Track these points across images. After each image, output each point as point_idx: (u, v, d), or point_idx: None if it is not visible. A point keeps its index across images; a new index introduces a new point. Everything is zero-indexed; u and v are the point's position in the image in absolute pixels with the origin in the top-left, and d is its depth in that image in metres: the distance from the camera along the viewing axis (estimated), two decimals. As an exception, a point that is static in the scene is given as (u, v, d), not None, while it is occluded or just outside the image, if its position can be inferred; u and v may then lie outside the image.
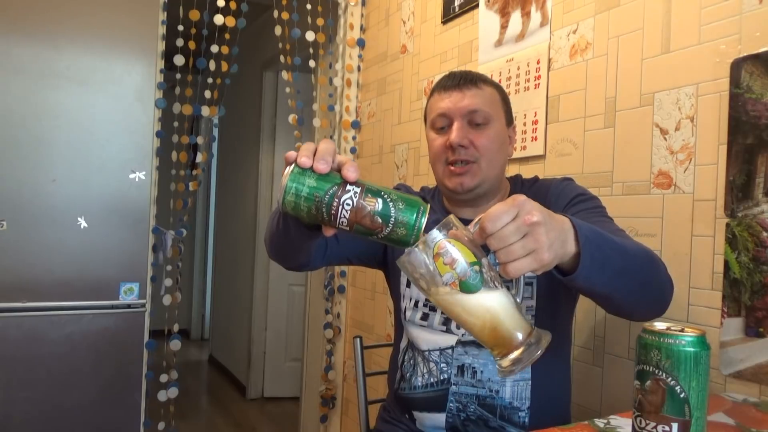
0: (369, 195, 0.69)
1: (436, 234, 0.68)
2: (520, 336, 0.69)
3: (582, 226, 0.75)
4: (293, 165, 0.70)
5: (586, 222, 0.87)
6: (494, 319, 0.70)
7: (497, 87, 1.16)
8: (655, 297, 0.90)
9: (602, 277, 0.78)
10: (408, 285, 1.19)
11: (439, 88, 1.14)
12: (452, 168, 1.09)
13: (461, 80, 1.11)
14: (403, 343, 1.20)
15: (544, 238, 0.67)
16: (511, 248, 0.67)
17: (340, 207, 0.68)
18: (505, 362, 0.70)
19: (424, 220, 0.69)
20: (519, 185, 1.19)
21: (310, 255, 1.05)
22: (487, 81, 1.14)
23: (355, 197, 0.68)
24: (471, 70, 1.16)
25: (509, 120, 1.17)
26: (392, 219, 0.68)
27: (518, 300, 0.72)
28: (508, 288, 0.72)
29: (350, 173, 0.70)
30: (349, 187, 0.69)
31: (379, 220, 0.68)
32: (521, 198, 0.69)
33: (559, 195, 1.10)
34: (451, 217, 0.70)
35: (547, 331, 0.71)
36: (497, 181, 1.14)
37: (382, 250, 1.23)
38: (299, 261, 1.06)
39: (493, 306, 0.70)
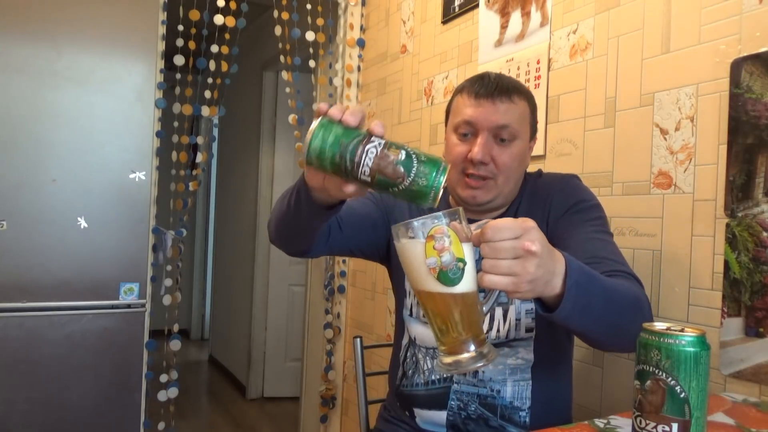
0: (393, 147, 0.70)
1: (439, 217, 0.69)
2: (472, 344, 0.72)
3: (574, 269, 0.75)
4: (323, 117, 0.72)
5: (587, 240, 0.91)
6: (455, 317, 0.72)
7: (529, 99, 1.11)
8: (630, 341, 0.86)
9: (580, 320, 0.79)
10: None
11: (470, 92, 1.08)
12: (468, 180, 1.07)
13: (496, 90, 1.06)
14: (405, 340, 1.19)
15: (532, 270, 0.68)
16: (498, 262, 0.68)
17: (365, 155, 0.69)
18: (447, 359, 0.73)
19: (443, 179, 0.69)
20: (524, 182, 1.16)
21: (313, 240, 1.03)
22: (521, 92, 1.09)
23: (379, 147, 0.70)
24: (505, 76, 1.11)
25: (533, 133, 1.14)
26: (414, 169, 0.69)
27: (484, 309, 0.75)
28: (482, 295, 0.74)
29: (377, 128, 0.72)
30: (374, 138, 0.71)
31: (401, 170, 0.69)
32: (532, 223, 0.69)
33: (561, 195, 1.08)
34: (461, 210, 0.71)
35: (497, 349, 0.74)
36: (511, 195, 1.12)
37: (386, 245, 1.21)
38: (302, 246, 1.05)
39: (459, 305, 0.71)
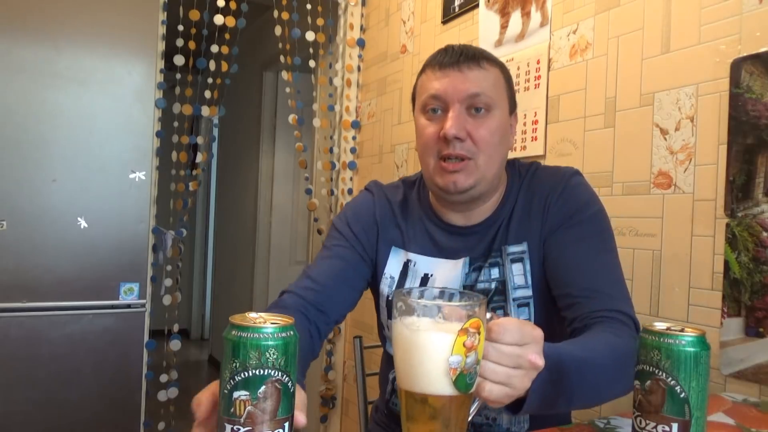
0: None
1: (474, 305, 0.57)
2: None
3: (537, 388, 0.66)
4: None
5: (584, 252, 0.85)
6: (449, 424, 0.60)
7: (502, 67, 0.98)
8: (614, 396, 0.82)
9: (550, 408, 0.74)
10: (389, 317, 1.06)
11: (433, 65, 0.96)
12: (444, 164, 0.94)
13: (461, 56, 0.94)
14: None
15: (526, 385, 0.62)
16: (499, 369, 0.60)
17: None
18: None
19: None
20: (517, 175, 1.04)
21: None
22: (490, 59, 0.97)
23: None
24: (471, 45, 0.98)
25: (513, 106, 1.00)
26: None
27: (470, 414, 0.64)
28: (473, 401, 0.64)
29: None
30: None
31: None
32: (540, 334, 0.63)
33: (560, 202, 0.96)
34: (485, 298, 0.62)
35: None
36: (495, 179, 0.98)
37: (369, 278, 1.08)
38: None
39: (457, 411, 0.60)
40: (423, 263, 1.02)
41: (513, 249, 0.97)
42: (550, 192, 0.97)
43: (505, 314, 0.97)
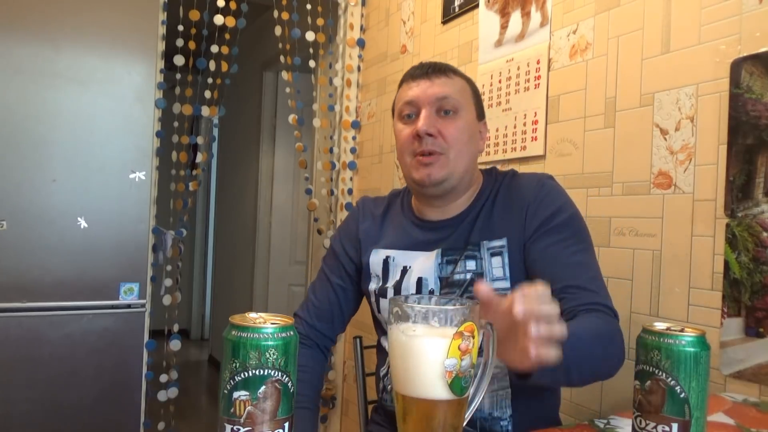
0: None
1: (467, 309, 0.58)
2: None
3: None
4: None
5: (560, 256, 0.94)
6: (445, 428, 0.60)
7: (468, 80, 1.13)
8: (606, 374, 0.94)
9: (554, 378, 0.84)
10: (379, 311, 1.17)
11: (407, 78, 1.11)
12: (419, 158, 1.06)
13: (430, 69, 1.08)
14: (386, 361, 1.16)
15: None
16: (549, 327, 0.61)
17: None
18: None
19: None
20: (493, 179, 1.13)
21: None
22: (457, 72, 1.11)
23: None
24: (441, 62, 1.13)
25: (480, 114, 1.14)
26: None
27: (466, 418, 0.64)
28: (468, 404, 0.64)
29: None
30: None
31: None
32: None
33: (536, 205, 1.04)
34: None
35: None
36: (467, 174, 1.09)
37: (357, 279, 1.22)
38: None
39: (453, 413, 0.61)
40: (400, 257, 1.13)
41: (492, 244, 1.06)
42: (529, 198, 1.06)
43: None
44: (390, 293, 1.12)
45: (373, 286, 1.16)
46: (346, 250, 1.22)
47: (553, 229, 1.02)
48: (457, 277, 1.06)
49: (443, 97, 1.06)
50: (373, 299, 1.17)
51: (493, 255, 1.05)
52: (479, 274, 1.05)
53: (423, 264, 1.09)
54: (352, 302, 1.25)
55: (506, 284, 1.04)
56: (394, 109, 1.15)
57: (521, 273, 1.04)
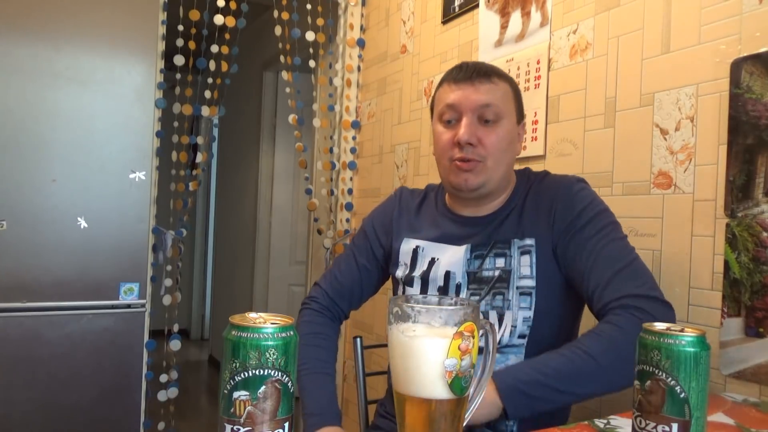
0: None
1: (468, 308, 0.58)
2: None
3: (508, 395, 0.87)
4: None
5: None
6: (440, 422, 0.60)
7: (510, 81, 1.12)
8: (608, 390, 0.97)
9: (537, 411, 0.91)
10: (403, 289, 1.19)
11: (449, 79, 1.10)
12: (458, 163, 1.06)
13: (474, 73, 1.07)
14: None
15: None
16: None
17: None
18: None
19: None
20: (526, 179, 1.15)
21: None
22: (501, 75, 1.10)
23: None
24: (484, 62, 1.12)
25: (520, 116, 1.14)
26: None
27: (464, 421, 0.64)
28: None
29: None
30: None
31: None
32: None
33: (565, 204, 1.06)
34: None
35: None
36: (503, 180, 1.11)
37: (386, 269, 1.26)
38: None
39: (453, 415, 0.60)
40: (430, 248, 1.15)
41: (523, 242, 1.08)
42: (557, 196, 1.07)
43: (506, 300, 1.06)
44: (416, 282, 1.15)
45: (399, 273, 1.19)
46: (377, 234, 1.25)
47: (579, 230, 1.03)
48: (485, 273, 1.08)
49: (486, 105, 1.05)
50: (400, 286, 1.20)
51: (522, 253, 1.07)
52: (506, 271, 1.07)
53: (452, 257, 1.11)
54: (374, 285, 1.28)
55: (532, 282, 1.05)
56: (432, 108, 1.15)
57: (547, 272, 1.06)
